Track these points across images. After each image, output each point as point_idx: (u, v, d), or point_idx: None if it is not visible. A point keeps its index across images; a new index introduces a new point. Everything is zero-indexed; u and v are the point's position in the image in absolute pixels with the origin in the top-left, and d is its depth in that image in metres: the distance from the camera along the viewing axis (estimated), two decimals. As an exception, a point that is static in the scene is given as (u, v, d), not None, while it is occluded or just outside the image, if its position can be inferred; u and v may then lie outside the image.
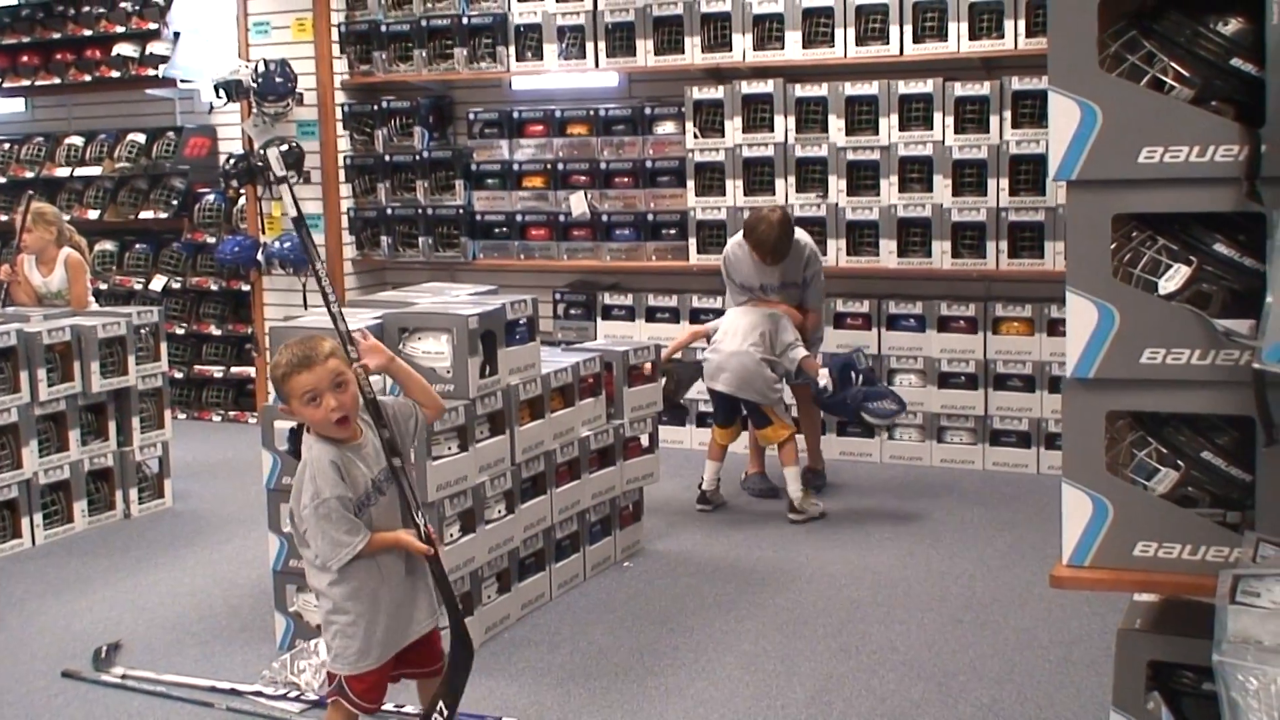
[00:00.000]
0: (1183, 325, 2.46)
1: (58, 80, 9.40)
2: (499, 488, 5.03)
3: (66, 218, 8.82)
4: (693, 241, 7.72)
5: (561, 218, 8.12)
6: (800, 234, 6.60)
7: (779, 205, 6.73)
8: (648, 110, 7.90)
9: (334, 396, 3.40)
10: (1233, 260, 2.47)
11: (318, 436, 3.45)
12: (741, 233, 6.54)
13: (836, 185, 7.35)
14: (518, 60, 8.07)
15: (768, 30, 7.47)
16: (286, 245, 8.48)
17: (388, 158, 8.51)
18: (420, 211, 8.46)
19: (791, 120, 7.42)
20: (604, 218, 8.01)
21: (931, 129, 7.14)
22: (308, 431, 3.50)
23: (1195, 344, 2.46)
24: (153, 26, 9.05)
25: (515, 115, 8.22)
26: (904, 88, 7.18)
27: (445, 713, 3.55)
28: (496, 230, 8.35)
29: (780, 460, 6.54)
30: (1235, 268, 2.47)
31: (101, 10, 9.19)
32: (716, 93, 7.58)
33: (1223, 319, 2.44)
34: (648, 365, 6.04)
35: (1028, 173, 6.98)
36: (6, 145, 9.78)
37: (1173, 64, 2.48)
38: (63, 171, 9.53)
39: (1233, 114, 2.43)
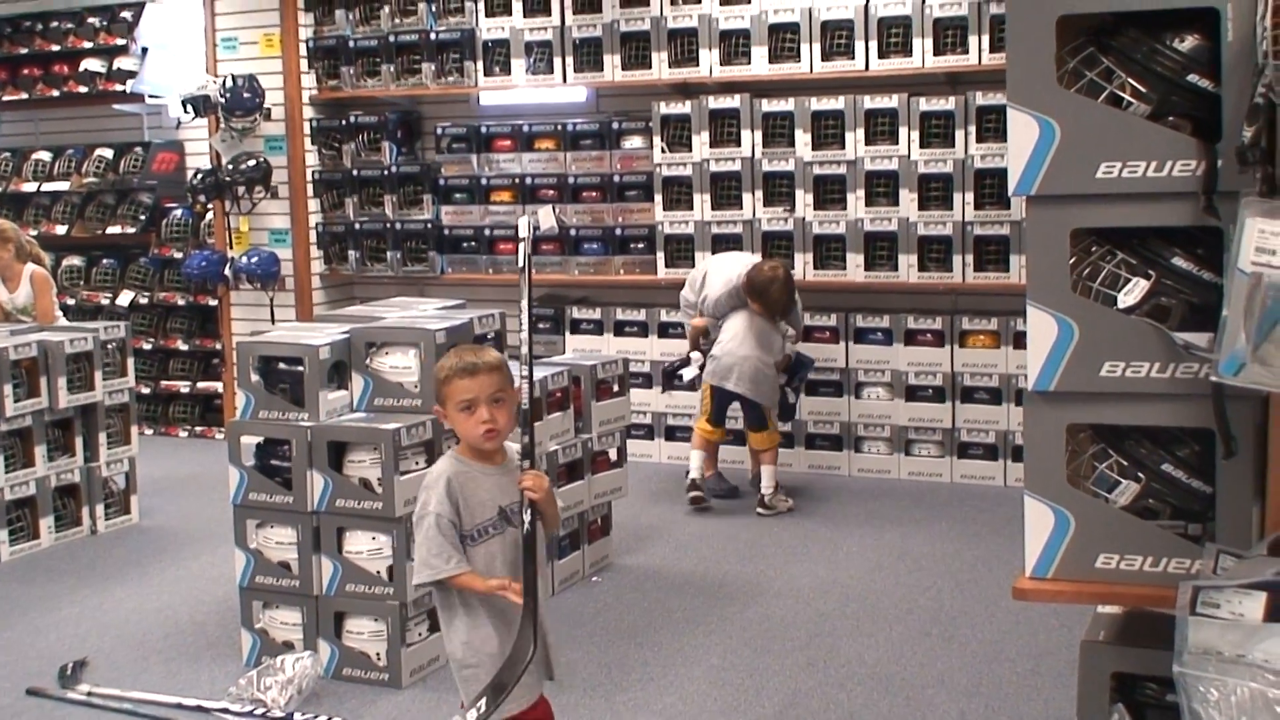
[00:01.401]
0: (1142, 338, 2.47)
1: (25, 95, 9.34)
2: (467, 503, 5.02)
3: (34, 233, 8.80)
4: (660, 255, 7.72)
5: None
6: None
7: (779, 263, 6.80)
8: (615, 125, 7.91)
9: (489, 409, 3.27)
10: (1191, 274, 2.48)
11: (452, 453, 3.35)
12: (744, 287, 6.65)
13: (803, 199, 7.36)
14: (486, 75, 8.06)
15: (734, 46, 7.48)
16: (253, 260, 8.44)
17: (356, 172, 8.49)
18: (388, 226, 8.44)
19: (758, 135, 7.43)
20: (572, 232, 8.00)
21: (897, 143, 7.17)
22: (451, 448, 3.39)
23: (1154, 357, 2.47)
24: (120, 42, 9.00)
25: (483, 130, 8.22)
26: (869, 103, 7.21)
27: (483, 709, 3.22)
28: (465, 244, 8.34)
29: (760, 459, 6.78)
30: (1194, 281, 2.48)
31: (69, 26, 9.14)
32: (684, 108, 7.59)
33: (1181, 332, 2.45)
34: (616, 379, 6.04)
35: (993, 186, 7.02)
36: (-28, 160, 9.71)
37: (1130, 80, 2.50)
38: (30, 186, 9.46)
39: (1189, 129, 2.44)
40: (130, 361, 7.09)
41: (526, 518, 3.27)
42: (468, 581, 3.24)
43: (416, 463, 4.75)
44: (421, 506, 3.28)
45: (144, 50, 8.88)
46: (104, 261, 9.36)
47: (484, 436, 3.28)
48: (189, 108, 8.36)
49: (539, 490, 3.26)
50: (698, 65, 7.55)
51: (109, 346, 6.92)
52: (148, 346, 9.11)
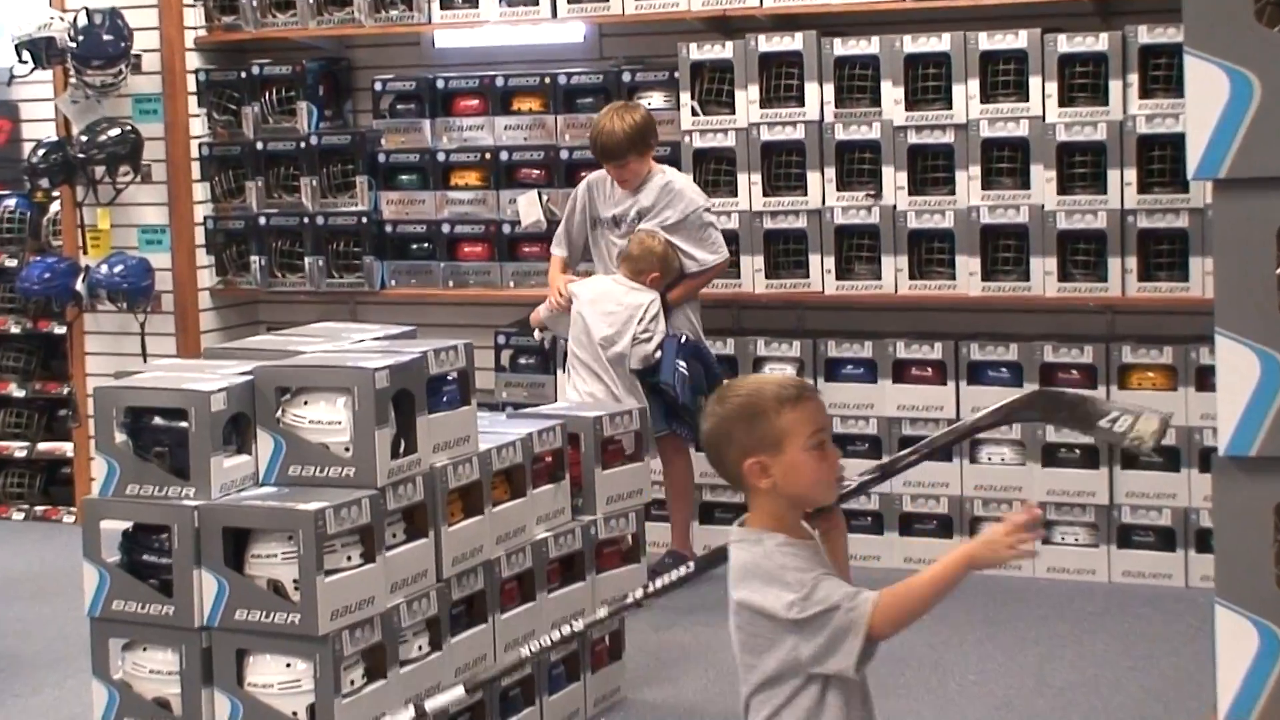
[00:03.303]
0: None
1: None
2: (419, 613, 5.02)
3: None
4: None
5: (507, 228, 8.13)
6: (674, 172, 7.34)
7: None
8: (626, 76, 7.94)
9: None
10: None
11: (760, 534, 3.45)
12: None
13: (894, 180, 7.38)
14: (443, 8, 8.11)
15: (795, -37, 7.54)
16: (117, 270, 8.45)
17: (261, 145, 8.53)
18: (307, 221, 8.47)
19: (829, 89, 7.46)
20: (567, 228, 8.03)
21: (1026, 100, 7.19)
22: (741, 524, 3.52)
23: (1399, 407, 2.47)
24: (-72, -37, 9.08)
25: (440, 85, 8.26)
26: (987, 42, 7.24)
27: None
28: (414, 247, 8.36)
29: None
30: None
31: None
32: (723, 51, 7.62)
33: None
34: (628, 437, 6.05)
35: (1164, 161, 7.02)
36: None
37: (1360, 14, 2.51)
38: None
39: None
40: (-57, 414, 7.13)
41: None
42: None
43: (349, 557, 4.76)
44: (799, 584, 3.35)
45: (-38, -25, 8.97)
46: (-94, 273, 9.42)
47: (836, 484, 3.50)
48: (25, 55, 8.39)
49: None
50: (743, -10, 7.60)
51: (-87, 393, 6.96)
52: (-33, 392, 9.16)
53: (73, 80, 8.46)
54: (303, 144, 8.47)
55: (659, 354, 6.97)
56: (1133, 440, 3.51)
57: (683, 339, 7.09)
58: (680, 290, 7.18)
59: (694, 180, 7.64)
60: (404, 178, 8.36)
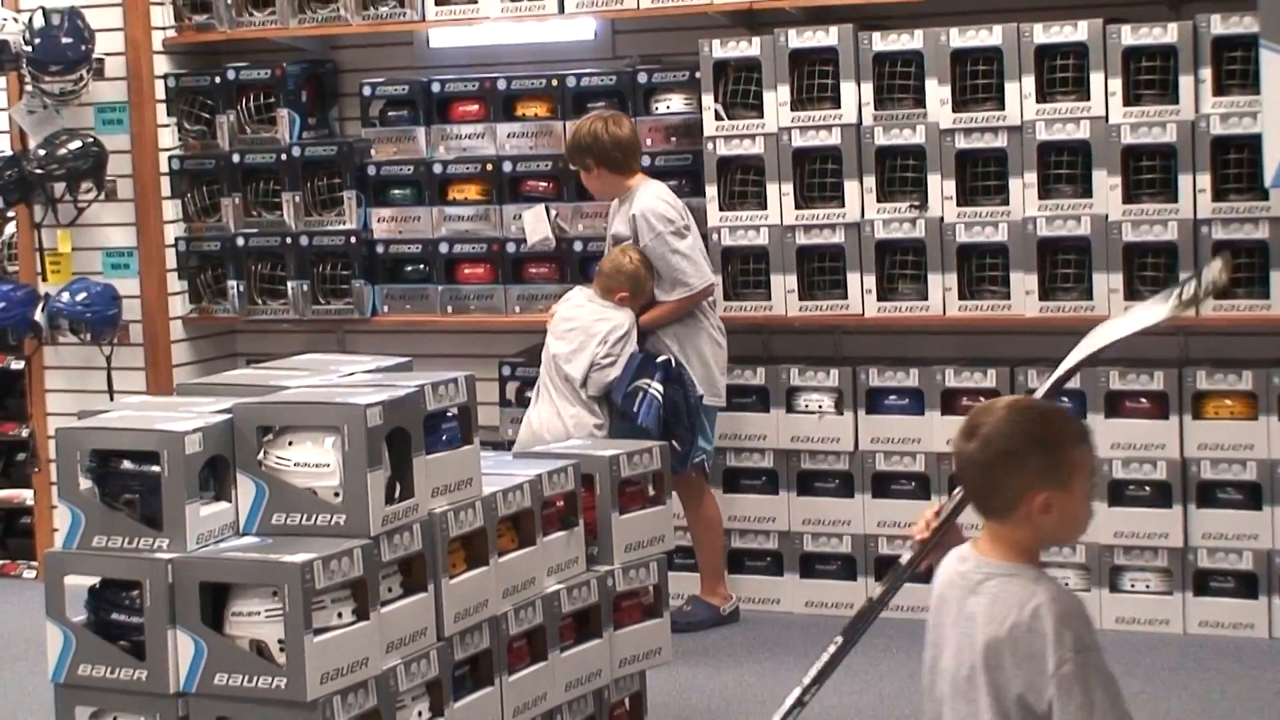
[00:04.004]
0: None
1: None
2: (419, 676, 5.01)
3: None
4: (716, 280, 7.71)
5: (511, 247, 8.15)
6: (655, 190, 7.36)
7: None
8: (642, 77, 7.95)
9: None
10: None
11: (1037, 571, 3.59)
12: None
13: (940, 189, 7.39)
14: (438, 4, 8.12)
15: (828, -50, 7.57)
16: (80, 297, 8.45)
17: (238, 158, 8.54)
18: (289, 241, 8.48)
19: (868, 89, 7.47)
20: (576, 246, 8.03)
21: (1087, 99, 7.19)
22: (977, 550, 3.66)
23: None
24: None
25: (436, 89, 8.27)
26: (1043, 34, 7.24)
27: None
28: (409, 269, 8.36)
29: None
30: None
31: None
32: (750, 48, 7.63)
33: None
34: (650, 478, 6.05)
35: (1241, 164, 6.97)
36: None
37: None
38: None
39: None
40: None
41: None
42: None
43: (339, 614, 4.75)
44: (1077, 640, 3.54)
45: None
46: None
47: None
48: (-25, 60, 8.44)
49: None
50: (770, -19, 7.62)
51: None
52: (-86, 435, 9.19)
53: (28, 88, 8.47)
54: (284, 156, 8.47)
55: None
56: (1208, 291, 3.64)
57: (659, 358, 7.14)
58: (649, 318, 7.24)
59: (719, 190, 7.66)
60: (396, 192, 8.37)
